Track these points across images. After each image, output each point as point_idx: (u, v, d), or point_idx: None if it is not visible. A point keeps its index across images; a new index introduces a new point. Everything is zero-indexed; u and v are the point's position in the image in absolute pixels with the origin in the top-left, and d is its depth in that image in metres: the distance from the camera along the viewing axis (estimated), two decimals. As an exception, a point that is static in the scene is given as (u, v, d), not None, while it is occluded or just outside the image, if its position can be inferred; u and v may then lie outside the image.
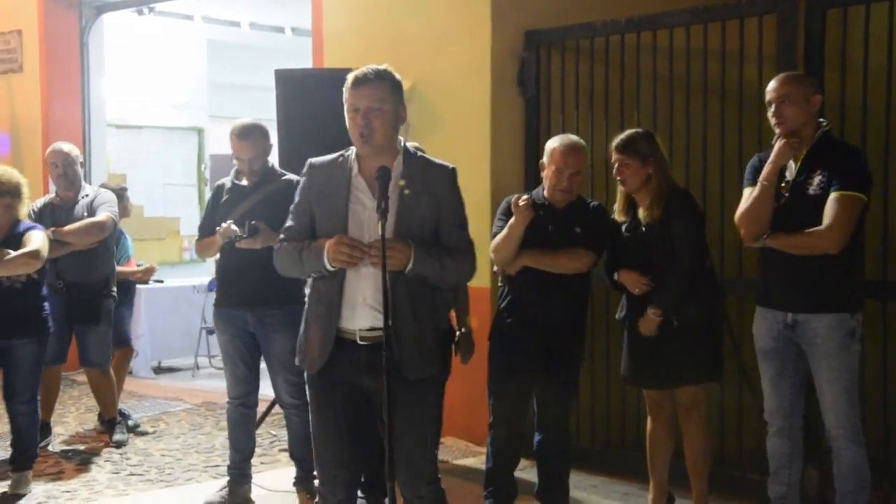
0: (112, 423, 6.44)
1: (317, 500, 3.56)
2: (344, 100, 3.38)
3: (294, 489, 5.09)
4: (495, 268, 4.80)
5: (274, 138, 5.33)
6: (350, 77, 3.36)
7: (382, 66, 3.40)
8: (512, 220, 4.49)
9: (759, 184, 4.11)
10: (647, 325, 4.45)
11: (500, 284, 4.82)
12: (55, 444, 6.36)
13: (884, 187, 4.68)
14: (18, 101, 9.26)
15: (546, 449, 4.78)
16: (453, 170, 3.50)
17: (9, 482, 5.35)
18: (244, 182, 5.02)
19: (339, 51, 6.93)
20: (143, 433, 6.67)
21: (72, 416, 7.14)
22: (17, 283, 5.20)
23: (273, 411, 6.38)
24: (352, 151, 3.44)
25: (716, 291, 4.57)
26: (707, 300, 4.50)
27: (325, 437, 3.42)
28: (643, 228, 4.49)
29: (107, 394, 6.43)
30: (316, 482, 4.87)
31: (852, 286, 4.13)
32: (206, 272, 9.54)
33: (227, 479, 5.14)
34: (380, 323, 3.23)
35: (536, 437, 4.80)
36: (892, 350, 4.75)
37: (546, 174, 4.61)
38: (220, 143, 11.61)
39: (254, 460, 5.27)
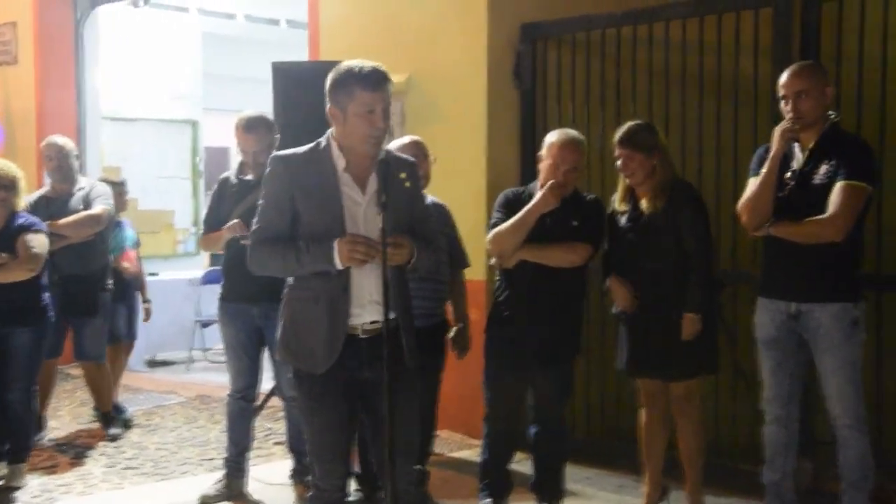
0: (107, 417, 6.45)
1: (311, 493, 3.53)
2: (342, 94, 3.28)
3: (291, 482, 5.10)
4: (492, 260, 4.80)
5: (272, 131, 5.32)
6: (361, 75, 3.25)
7: (380, 65, 3.32)
8: (529, 205, 4.46)
9: (761, 173, 4.12)
10: (689, 329, 4.41)
11: (496, 278, 4.82)
12: (50, 438, 6.34)
13: (879, 179, 4.68)
14: (13, 94, 9.26)
15: (542, 442, 4.78)
16: (414, 162, 3.53)
17: (3, 475, 5.35)
18: (249, 176, 5.02)
19: (336, 43, 6.93)
20: (138, 426, 6.66)
21: (66, 410, 7.13)
22: None
23: (266, 405, 6.37)
24: (327, 145, 3.36)
25: (714, 284, 4.58)
26: (709, 295, 4.50)
27: (325, 432, 3.40)
28: (645, 218, 4.49)
29: (102, 387, 6.43)
30: (312, 475, 4.94)
31: (855, 276, 4.14)
32: (200, 265, 9.54)
33: (224, 471, 5.14)
34: (380, 317, 3.23)
35: (532, 430, 4.80)
36: (887, 341, 4.76)
37: (542, 167, 4.60)
38: (215, 136, 11.66)
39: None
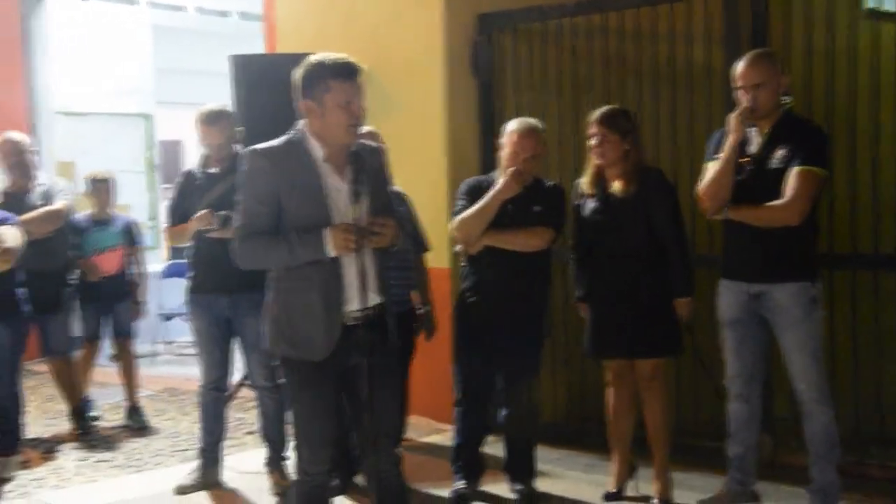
0: (76, 412, 6.47)
1: (296, 479, 3.62)
2: (321, 87, 3.36)
3: (265, 470, 5.18)
4: (457, 247, 4.92)
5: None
6: (338, 68, 3.35)
7: (348, 56, 3.44)
8: (492, 192, 4.60)
9: (719, 158, 4.28)
10: (685, 312, 4.64)
11: (462, 264, 4.94)
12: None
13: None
14: (-38, 90, 9.15)
15: (512, 424, 4.91)
16: (381, 149, 3.67)
17: None
18: (214, 169, 5.08)
19: (293, 35, 6.97)
20: (107, 420, 6.69)
21: (33, 406, 7.10)
22: None
23: (235, 396, 6.44)
24: (302, 137, 3.44)
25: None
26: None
27: (315, 419, 3.48)
28: (616, 202, 4.62)
29: (69, 382, 6.45)
30: (287, 462, 5.03)
31: (811, 256, 4.33)
32: (159, 259, 9.52)
33: (199, 461, 5.21)
34: (367, 303, 3.36)
35: (503, 413, 4.94)
36: (838, 318, 4.96)
37: (503, 155, 4.73)
38: (169, 129, 11.62)
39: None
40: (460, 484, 4.87)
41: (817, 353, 4.27)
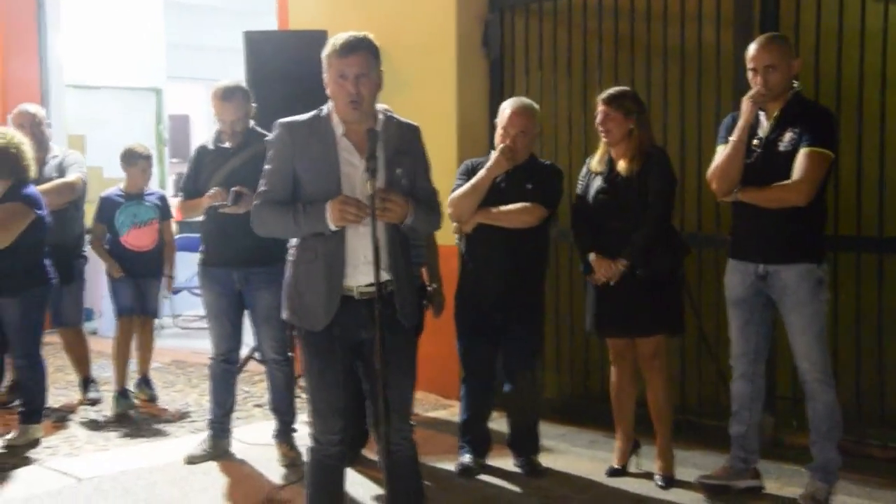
0: (86, 382, 6.55)
1: (309, 447, 3.69)
2: (325, 65, 3.47)
3: (274, 442, 5.25)
4: (454, 226, 4.98)
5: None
6: (336, 44, 3.43)
7: (362, 34, 3.48)
8: (483, 169, 4.71)
9: (730, 141, 4.32)
10: (609, 270, 4.62)
11: (456, 242, 5.02)
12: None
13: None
14: (-25, 63, 9.20)
15: (514, 400, 4.99)
16: (418, 127, 3.70)
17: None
18: (227, 144, 5.12)
19: (304, 11, 6.99)
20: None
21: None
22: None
23: (243, 369, 6.51)
24: (327, 112, 3.53)
25: (679, 249, 4.78)
26: (670, 256, 4.71)
27: (323, 389, 3.57)
28: (620, 179, 4.67)
29: (80, 353, 6.53)
30: (296, 434, 5.11)
31: (819, 238, 4.38)
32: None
33: (208, 432, 5.29)
34: (377, 278, 3.38)
35: (505, 388, 5.01)
36: (842, 300, 5.01)
37: (498, 133, 4.81)
38: (179, 104, 11.66)
39: (230, 415, 5.42)
40: (466, 458, 4.95)
41: (821, 334, 4.32)
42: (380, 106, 3.67)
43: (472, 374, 4.99)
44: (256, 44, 6.23)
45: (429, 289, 5.17)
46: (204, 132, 5.27)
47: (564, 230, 5.27)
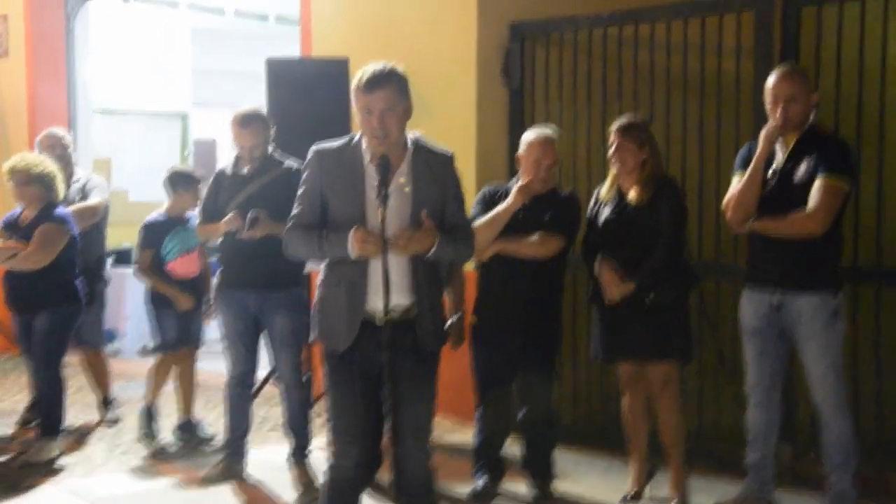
0: (105, 402, 6.59)
1: (326, 468, 3.70)
2: (353, 97, 3.50)
3: (288, 464, 5.25)
4: None
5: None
6: (362, 79, 3.45)
7: (389, 66, 3.50)
8: (503, 205, 4.74)
9: (747, 171, 4.33)
10: (617, 290, 4.62)
11: (473, 269, 5.04)
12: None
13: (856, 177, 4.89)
14: (5, 87, 9.34)
15: (529, 424, 5.00)
16: (452, 155, 3.71)
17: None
18: (245, 170, 5.17)
19: (328, 40, 7.08)
20: (135, 412, 6.79)
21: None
22: None
23: (260, 393, 6.52)
24: (359, 140, 3.58)
25: (688, 277, 4.78)
26: (680, 284, 4.71)
27: (343, 412, 3.60)
28: (630, 209, 4.68)
29: (100, 373, 6.58)
30: (311, 458, 5.12)
31: (835, 268, 4.37)
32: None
33: (224, 454, 5.32)
34: (400, 303, 3.47)
35: (521, 413, 5.01)
36: (861, 333, 4.98)
37: (523, 166, 4.83)
38: (204, 129, 11.79)
39: (245, 438, 5.43)
40: (480, 482, 4.95)
41: (836, 364, 4.31)
42: (411, 134, 3.67)
43: (487, 399, 4.99)
44: (278, 70, 6.29)
45: (450, 320, 5.08)
46: (229, 158, 5.30)
47: (578, 256, 5.26)
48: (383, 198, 3.38)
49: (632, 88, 5.78)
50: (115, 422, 6.51)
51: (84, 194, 6.33)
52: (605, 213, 4.79)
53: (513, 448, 5.19)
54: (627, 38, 5.77)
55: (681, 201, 4.75)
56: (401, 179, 3.53)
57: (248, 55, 9.20)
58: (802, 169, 4.27)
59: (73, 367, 6.86)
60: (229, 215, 5.04)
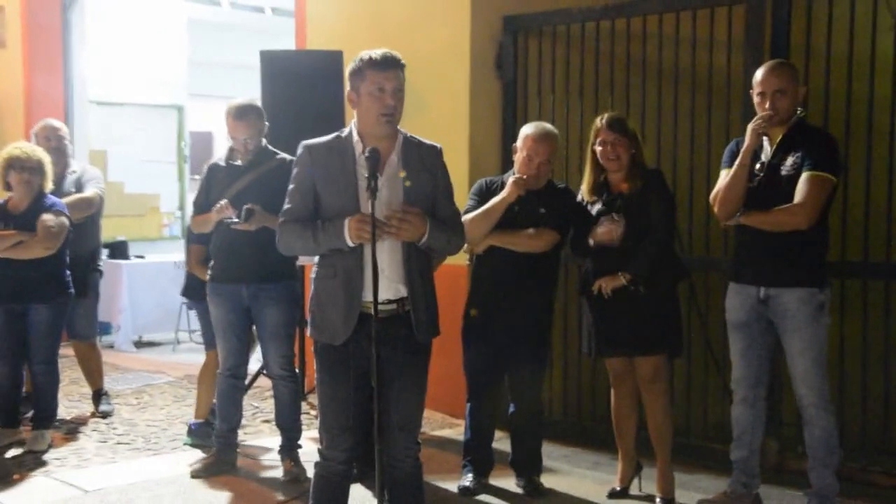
0: (98, 395, 6.62)
1: (315, 461, 3.71)
2: (356, 79, 3.50)
3: (279, 457, 5.28)
4: (464, 246, 5.00)
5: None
6: (375, 57, 3.47)
7: (393, 52, 3.54)
8: (498, 196, 4.73)
9: (734, 165, 4.34)
10: (611, 282, 4.61)
11: (467, 263, 5.04)
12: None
13: (843, 171, 4.90)
14: (1, 78, 9.36)
15: (519, 419, 5.00)
16: (441, 149, 3.73)
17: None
18: (238, 162, 5.18)
19: (322, 32, 7.09)
20: (128, 404, 6.82)
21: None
22: None
23: (254, 384, 6.55)
24: (349, 133, 3.58)
25: (678, 270, 4.79)
26: (670, 276, 4.72)
27: (334, 405, 3.60)
28: (621, 201, 4.67)
29: (93, 366, 6.60)
30: (300, 450, 5.14)
31: (821, 262, 4.37)
32: (183, 249, 9.68)
33: (215, 447, 5.33)
34: (395, 294, 3.48)
35: (510, 409, 5.02)
36: (849, 327, 4.99)
37: (517, 158, 4.83)
38: (200, 121, 11.79)
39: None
40: (468, 478, 4.95)
41: (820, 359, 4.31)
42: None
43: (477, 394, 5.00)
44: (272, 63, 6.29)
45: None
46: (223, 149, 5.30)
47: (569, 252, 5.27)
48: (373, 190, 3.39)
49: (624, 81, 5.78)
50: (107, 414, 6.53)
51: (79, 186, 6.33)
52: (596, 208, 4.77)
53: (500, 442, 5.20)
54: (619, 31, 5.77)
55: (669, 193, 4.76)
56: (401, 174, 3.54)
57: (244, 47, 9.19)
58: (789, 163, 4.27)
59: (67, 360, 6.91)
60: (220, 203, 5.03)
